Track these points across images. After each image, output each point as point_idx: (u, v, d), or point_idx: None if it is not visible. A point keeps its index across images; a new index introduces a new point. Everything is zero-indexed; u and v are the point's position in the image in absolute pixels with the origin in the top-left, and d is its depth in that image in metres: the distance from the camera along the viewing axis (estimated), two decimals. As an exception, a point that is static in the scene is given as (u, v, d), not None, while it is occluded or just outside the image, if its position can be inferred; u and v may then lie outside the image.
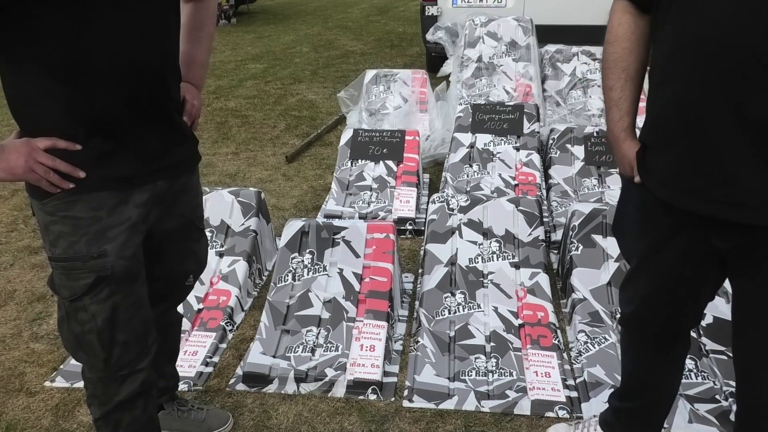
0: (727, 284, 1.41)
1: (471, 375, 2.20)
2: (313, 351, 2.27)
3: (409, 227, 3.30)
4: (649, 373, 1.61)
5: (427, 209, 2.99)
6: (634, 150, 1.36)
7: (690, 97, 1.19)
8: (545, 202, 3.41)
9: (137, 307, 1.44)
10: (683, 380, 2.11)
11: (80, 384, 2.05)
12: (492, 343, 2.33)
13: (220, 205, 2.88)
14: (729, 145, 1.15)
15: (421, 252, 2.85)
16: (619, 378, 1.75)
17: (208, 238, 2.68)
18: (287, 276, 2.52)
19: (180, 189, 1.52)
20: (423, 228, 3.09)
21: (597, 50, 4.55)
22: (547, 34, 5.25)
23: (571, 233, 2.69)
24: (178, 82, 1.51)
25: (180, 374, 2.21)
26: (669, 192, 1.30)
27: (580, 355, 2.29)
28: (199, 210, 1.64)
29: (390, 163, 3.67)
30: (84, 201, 1.32)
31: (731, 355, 1.50)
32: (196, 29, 1.64)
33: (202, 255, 1.69)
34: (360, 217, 3.32)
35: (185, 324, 2.38)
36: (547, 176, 3.65)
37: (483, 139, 3.82)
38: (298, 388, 2.17)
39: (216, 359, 2.33)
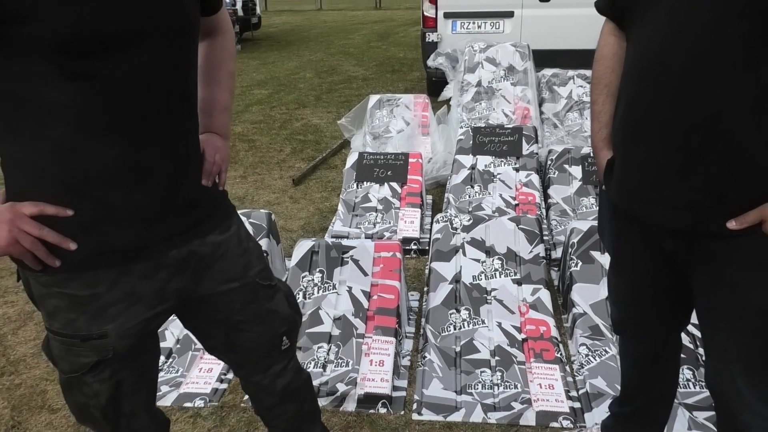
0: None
1: (477, 388, 2.28)
2: (324, 367, 2.36)
3: (414, 247, 3.40)
4: (644, 375, 1.69)
5: (431, 229, 3.09)
6: (606, 157, 1.48)
7: (630, 113, 1.32)
8: (545, 220, 3.51)
9: (144, 378, 1.34)
10: (682, 389, 2.19)
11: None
12: (497, 357, 2.41)
13: (231, 228, 2.98)
14: (656, 156, 1.27)
15: (426, 270, 2.95)
16: (620, 388, 1.84)
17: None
18: (298, 294, 2.61)
19: (211, 252, 1.31)
20: (427, 248, 3.19)
21: (593, 73, 4.68)
22: (543, 58, 5.41)
23: (570, 250, 2.78)
24: (188, 137, 1.27)
25: (196, 391, 2.30)
26: (616, 196, 1.42)
27: (582, 368, 2.37)
28: (255, 268, 1.39)
29: (394, 184, 3.78)
30: (79, 279, 1.17)
31: None
32: (215, 69, 1.46)
33: (284, 311, 1.46)
34: (366, 238, 3.42)
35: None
36: (546, 196, 3.76)
37: (484, 161, 3.94)
38: (310, 402, 2.25)
39: (230, 376, 2.41)
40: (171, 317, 1.39)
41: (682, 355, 1.95)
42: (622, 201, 1.42)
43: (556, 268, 3.14)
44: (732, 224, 1.21)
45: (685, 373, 2.26)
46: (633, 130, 1.32)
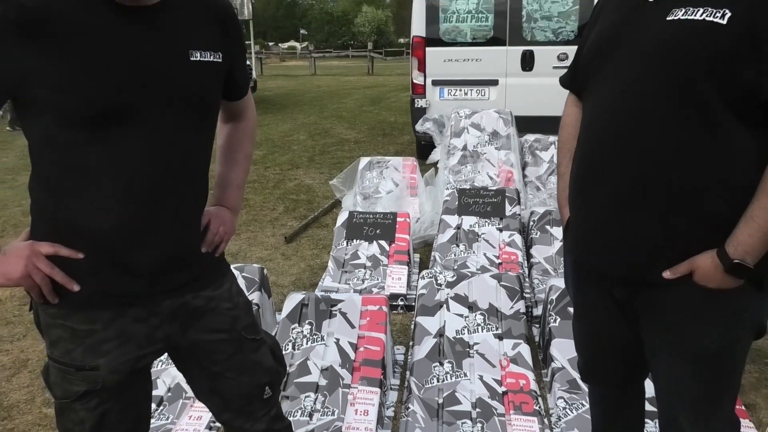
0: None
1: (458, 438, 2.36)
2: (310, 415, 2.44)
3: (401, 303, 3.51)
4: (609, 421, 1.80)
5: (417, 285, 3.22)
6: (567, 216, 1.63)
7: (578, 172, 1.50)
8: (527, 279, 3.65)
9: (129, 412, 1.42)
10: (653, 440, 2.28)
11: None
12: (478, 409, 2.50)
13: (224, 281, 3.09)
14: (599, 210, 1.44)
15: (412, 324, 3.06)
16: (591, 436, 1.94)
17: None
18: (287, 345, 2.71)
19: (202, 305, 1.43)
20: (414, 303, 3.31)
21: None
22: (526, 124, 5.69)
23: (549, 306, 2.91)
24: (196, 209, 1.45)
25: (186, 437, 2.36)
26: (572, 248, 1.58)
27: (560, 420, 2.46)
28: (242, 322, 1.50)
29: (383, 242, 3.93)
30: (80, 315, 1.30)
31: None
32: (234, 150, 1.62)
33: (268, 363, 1.56)
34: (355, 293, 3.54)
35: (189, 390, 2.54)
36: (528, 255, 3.92)
37: (469, 221, 4.11)
38: (296, 450, 2.31)
39: (219, 423, 2.47)
40: (164, 366, 1.50)
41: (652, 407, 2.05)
42: (576, 253, 1.57)
43: (537, 325, 3.26)
44: (666, 274, 1.35)
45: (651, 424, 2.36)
46: (581, 186, 1.50)
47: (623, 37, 1.39)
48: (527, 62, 6.43)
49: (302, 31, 60.98)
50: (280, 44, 58.52)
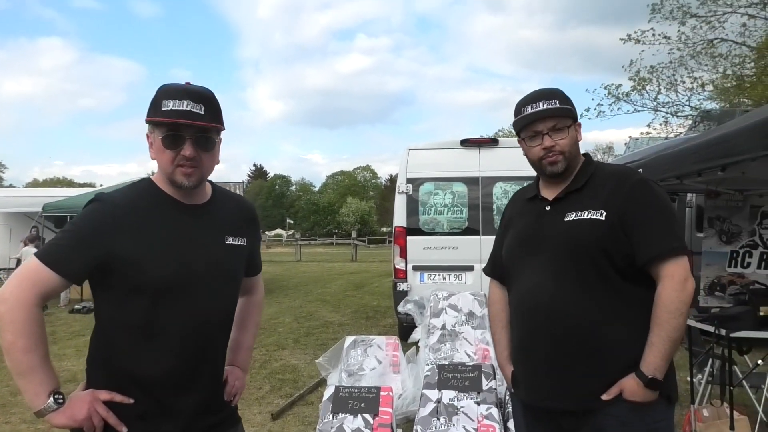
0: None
1: None
2: None
3: (384, 475, 3.62)
4: None
5: (400, 455, 3.38)
6: (510, 371, 2.05)
7: (521, 338, 1.97)
8: (506, 451, 3.81)
9: None
10: None
11: None
12: None
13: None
14: (543, 363, 1.88)
15: (395, 494, 3.17)
16: None
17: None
18: None
19: None
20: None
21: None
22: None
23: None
24: (223, 362, 1.82)
25: None
26: (523, 395, 1.96)
27: None
28: None
29: (367, 416, 4.11)
30: None
31: None
32: (245, 319, 1.98)
33: None
34: (340, 466, 3.65)
35: None
36: (506, 428, 4.10)
37: (448, 395, 4.34)
38: None
39: None
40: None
41: None
42: (527, 398, 1.95)
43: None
44: (604, 397, 1.78)
45: None
46: (525, 349, 1.96)
47: (535, 235, 1.97)
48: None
49: (288, 220, 63.61)
50: (267, 232, 60.68)
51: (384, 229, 59.89)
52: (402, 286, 7.15)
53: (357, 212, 63.81)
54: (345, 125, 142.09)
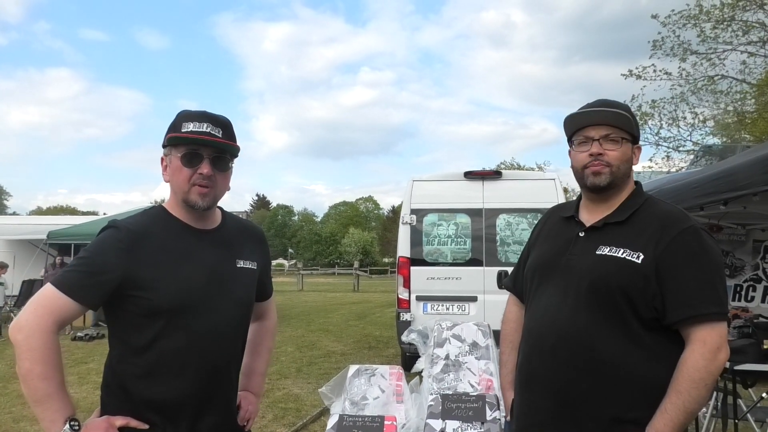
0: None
1: None
2: None
3: (388, 506, 3.59)
4: None
5: (404, 484, 3.36)
6: (510, 397, 1.98)
7: (523, 365, 1.85)
8: (510, 483, 3.79)
9: None
10: None
11: None
12: None
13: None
14: (542, 397, 1.76)
15: None
16: None
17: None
18: None
19: None
20: (400, 504, 3.41)
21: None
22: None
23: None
24: (237, 386, 1.84)
25: None
26: (520, 426, 1.85)
27: None
28: None
29: (371, 445, 4.10)
30: None
31: None
32: (258, 344, 2.02)
33: None
34: (343, 495, 3.62)
35: None
36: (510, 460, 4.08)
37: (452, 425, 4.32)
38: None
39: None
40: None
41: None
42: (516, 425, 1.87)
43: None
44: None
45: None
46: (525, 378, 1.84)
47: (560, 261, 1.81)
48: (503, 281, 7.07)
49: (290, 250, 63.46)
50: (268, 261, 60.24)
51: (386, 260, 59.71)
52: (405, 316, 7.15)
53: (359, 243, 63.70)
54: (348, 156, 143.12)
